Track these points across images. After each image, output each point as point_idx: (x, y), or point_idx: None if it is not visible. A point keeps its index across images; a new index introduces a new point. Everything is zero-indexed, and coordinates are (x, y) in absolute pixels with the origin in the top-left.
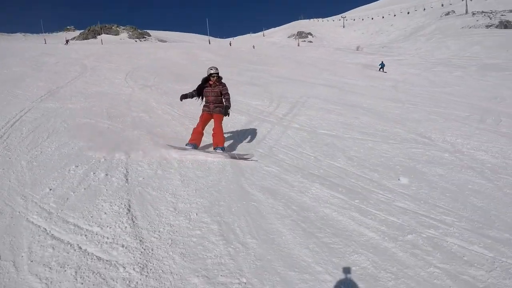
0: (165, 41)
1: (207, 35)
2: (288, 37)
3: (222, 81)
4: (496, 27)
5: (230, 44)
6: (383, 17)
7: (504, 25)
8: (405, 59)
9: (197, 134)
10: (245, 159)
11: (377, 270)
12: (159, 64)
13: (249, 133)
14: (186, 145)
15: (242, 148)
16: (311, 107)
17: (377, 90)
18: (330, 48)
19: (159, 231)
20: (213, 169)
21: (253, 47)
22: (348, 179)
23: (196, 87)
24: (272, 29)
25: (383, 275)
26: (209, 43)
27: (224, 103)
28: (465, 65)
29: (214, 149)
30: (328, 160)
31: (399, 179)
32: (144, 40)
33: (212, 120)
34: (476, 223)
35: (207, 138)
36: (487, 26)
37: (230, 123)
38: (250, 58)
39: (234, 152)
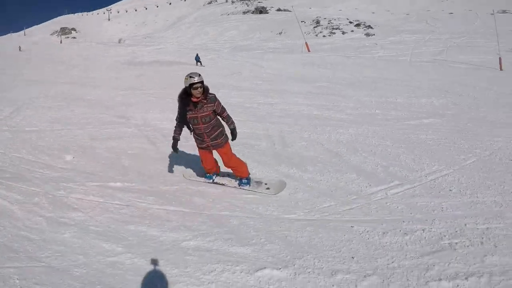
0: None
1: None
2: (51, 34)
3: (210, 92)
4: (252, 12)
5: None
6: (146, 8)
7: (260, 10)
8: (165, 47)
9: (210, 168)
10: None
11: None
12: None
13: None
14: (206, 177)
15: None
16: (35, 107)
17: (119, 81)
18: (92, 42)
19: None
20: None
21: (19, 48)
22: (19, 165)
23: (176, 117)
24: (35, 27)
25: None
26: None
27: (228, 126)
28: (220, 48)
29: (237, 181)
30: (13, 153)
31: (65, 157)
32: None
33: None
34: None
35: None
36: (244, 12)
37: None
38: None
39: (259, 180)
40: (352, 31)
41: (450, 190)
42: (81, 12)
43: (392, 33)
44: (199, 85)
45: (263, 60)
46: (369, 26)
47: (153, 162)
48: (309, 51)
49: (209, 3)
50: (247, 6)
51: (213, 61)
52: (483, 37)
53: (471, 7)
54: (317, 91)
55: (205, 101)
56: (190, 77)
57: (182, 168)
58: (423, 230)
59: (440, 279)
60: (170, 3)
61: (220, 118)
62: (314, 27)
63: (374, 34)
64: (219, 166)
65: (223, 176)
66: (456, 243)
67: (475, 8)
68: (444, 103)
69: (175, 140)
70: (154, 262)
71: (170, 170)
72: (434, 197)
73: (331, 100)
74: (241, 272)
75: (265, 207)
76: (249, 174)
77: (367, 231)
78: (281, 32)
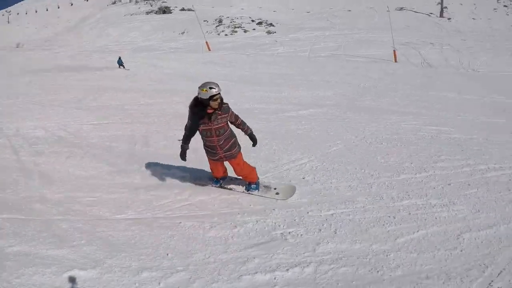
0: None
1: None
2: None
3: (224, 102)
4: (156, 13)
5: None
6: (47, 9)
7: (163, 10)
8: (64, 51)
9: (220, 176)
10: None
11: None
12: None
13: None
14: (214, 182)
15: None
16: None
17: (4, 90)
18: None
19: None
20: None
21: None
22: None
23: (186, 127)
24: None
25: None
26: None
27: (245, 133)
28: (120, 50)
29: (244, 186)
30: None
31: None
32: None
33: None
34: None
35: None
36: (147, 13)
37: None
38: None
39: (267, 185)
40: (254, 29)
41: (303, 178)
42: None
43: (293, 30)
44: (219, 96)
45: (163, 60)
46: (271, 24)
47: (10, 172)
48: (209, 50)
49: (113, 3)
50: (151, 6)
51: (112, 63)
52: (381, 33)
53: (372, 4)
54: None
55: (219, 112)
56: (210, 88)
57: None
58: (256, 221)
59: (256, 272)
60: (72, 4)
61: (235, 126)
62: (217, 26)
63: (275, 32)
64: (227, 169)
65: (230, 180)
66: (289, 232)
67: (375, 5)
68: (330, 94)
69: (184, 149)
70: None
71: None
72: None
73: None
74: (50, 273)
75: (100, 209)
76: (258, 178)
77: (194, 226)
78: (184, 32)
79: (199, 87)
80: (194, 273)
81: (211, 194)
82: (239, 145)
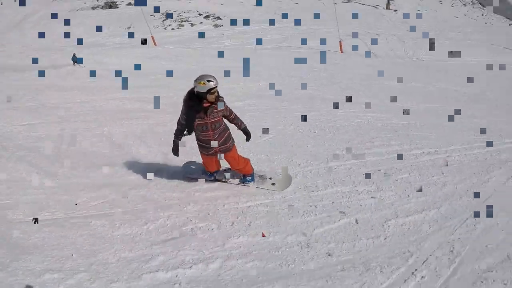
0: None
1: None
2: None
3: (220, 95)
4: (102, 7)
5: None
6: None
7: (109, 5)
8: (7, 50)
9: (214, 170)
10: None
11: None
12: None
13: None
14: (208, 175)
15: None
16: None
17: None
18: None
19: None
20: None
21: None
22: None
23: (179, 122)
24: None
25: None
26: None
27: (239, 127)
28: (64, 47)
29: (237, 178)
30: None
31: None
32: None
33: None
34: None
35: None
36: (94, 8)
37: None
38: None
39: (263, 175)
40: (201, 22)
41: (225, 171)
42: None
43: (241, 23)
44: (216, 89)
45: (108, 56)
46: (218, 18)
47: None
48: (155, 44)
49: None
50: (97, 1)
51: (54, 61)
52: (328, 24)
53: None
54: (147, 84)
55: (215, 106)
56: (208, 81)
57: None
58: (168, 217)
59: (157, 271)
60: (15, 0)
61: (228, 121)
62: (163, 20)
63: (222, 25)
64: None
65: (224, 171)
66: (201, 227)
67: None
68: (271, 85)
69: (176, 144)
70: None
71: None
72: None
73: (153, 92)
74: None
75: (14, 211)
76: (253, 170)
77: (103, 225)
78: (130, 27)
79: (195, 80)
80: (95, 273)
81: (128, 192)
82: (233, 138)
